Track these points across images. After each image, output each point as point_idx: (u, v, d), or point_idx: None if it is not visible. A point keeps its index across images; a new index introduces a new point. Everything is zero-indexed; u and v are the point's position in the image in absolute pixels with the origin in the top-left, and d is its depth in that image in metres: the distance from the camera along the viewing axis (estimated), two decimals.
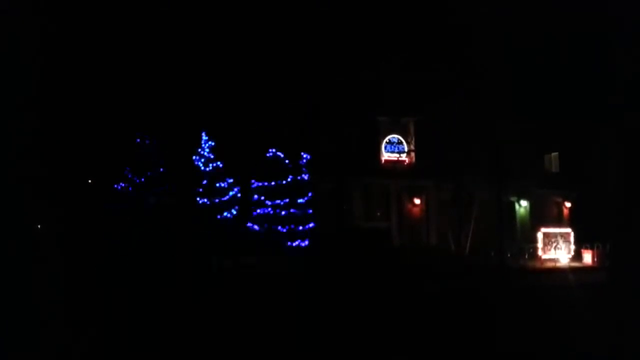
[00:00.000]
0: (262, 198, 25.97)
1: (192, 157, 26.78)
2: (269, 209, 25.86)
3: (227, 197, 26.55)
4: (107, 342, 10.08)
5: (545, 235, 25.96)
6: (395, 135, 30.10)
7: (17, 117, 22.14)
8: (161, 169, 27.48)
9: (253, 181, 26.40)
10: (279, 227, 25.58)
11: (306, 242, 25.51)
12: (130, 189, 27.53)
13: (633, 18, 9.47)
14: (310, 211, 26.06)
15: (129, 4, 26.19)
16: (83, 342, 9.89)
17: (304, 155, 26.33)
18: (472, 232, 27.30)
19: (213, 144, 27.04)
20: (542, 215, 30.70)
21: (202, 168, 26.71)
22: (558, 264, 25.20)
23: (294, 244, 25.37)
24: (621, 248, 8.86)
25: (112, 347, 9.75)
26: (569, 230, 26.66)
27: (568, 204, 32.09)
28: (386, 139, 29.94)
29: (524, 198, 31.16)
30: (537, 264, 25.17)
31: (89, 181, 28.94)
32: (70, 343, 9.75)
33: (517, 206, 31.48)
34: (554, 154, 33.30)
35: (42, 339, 9.96)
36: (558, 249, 25.78)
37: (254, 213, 26.12)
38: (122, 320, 12.16)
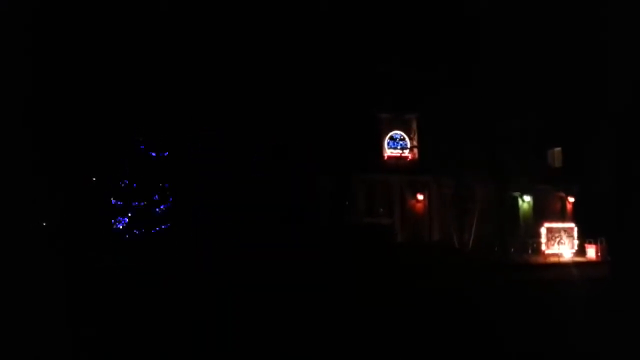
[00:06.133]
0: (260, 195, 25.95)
1: (189, 153, 26.69)
2: (267, 205, 25.82)
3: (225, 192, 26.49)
4: (107, 340, 10.14)
5: (549, 230, 25.98)
6: (398, 132, 30.10)
7: (19, 115, 22.22)
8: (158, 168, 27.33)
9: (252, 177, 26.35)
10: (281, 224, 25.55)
11: (308, 238, 25.47)
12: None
13: (633, 16, 9.49)
14: (313, 207, 26.06)
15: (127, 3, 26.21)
16: (85, 340, 9.95)
17: (306, 151, 26.30)
18: (476, 227, 27.31)
19: (211, 140, 26.95)
20: (545, 210, 30.71)
21: (200, 164, 26.63)
22: (562, 259, 25.22)
23: (297, 240, 25.35)
24: (619, 243, 8.91)
25: (112, 346, 9.81)
26: (572, 225, 26.69)
27: (571, 199, 32.08)
28: (388, 135, 29.97)
29: (527, 193, 31.17)
30: (541, 259, 25.20)
31: (93, 179, 28.93)
32: (72, 342, 9.81)
33: (520, 201, 31.48)
34: (557, 149, 33.27)
35: (45, 337, 10.01)
36: (561, 244, 25.80)
37: (252, 209, 26.08)
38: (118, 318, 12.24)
